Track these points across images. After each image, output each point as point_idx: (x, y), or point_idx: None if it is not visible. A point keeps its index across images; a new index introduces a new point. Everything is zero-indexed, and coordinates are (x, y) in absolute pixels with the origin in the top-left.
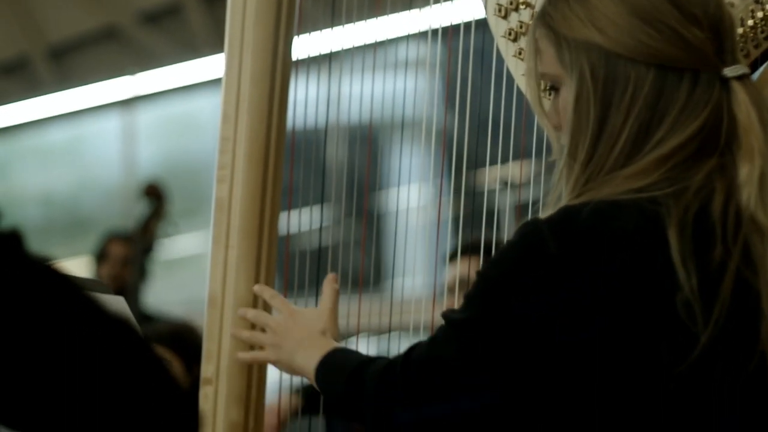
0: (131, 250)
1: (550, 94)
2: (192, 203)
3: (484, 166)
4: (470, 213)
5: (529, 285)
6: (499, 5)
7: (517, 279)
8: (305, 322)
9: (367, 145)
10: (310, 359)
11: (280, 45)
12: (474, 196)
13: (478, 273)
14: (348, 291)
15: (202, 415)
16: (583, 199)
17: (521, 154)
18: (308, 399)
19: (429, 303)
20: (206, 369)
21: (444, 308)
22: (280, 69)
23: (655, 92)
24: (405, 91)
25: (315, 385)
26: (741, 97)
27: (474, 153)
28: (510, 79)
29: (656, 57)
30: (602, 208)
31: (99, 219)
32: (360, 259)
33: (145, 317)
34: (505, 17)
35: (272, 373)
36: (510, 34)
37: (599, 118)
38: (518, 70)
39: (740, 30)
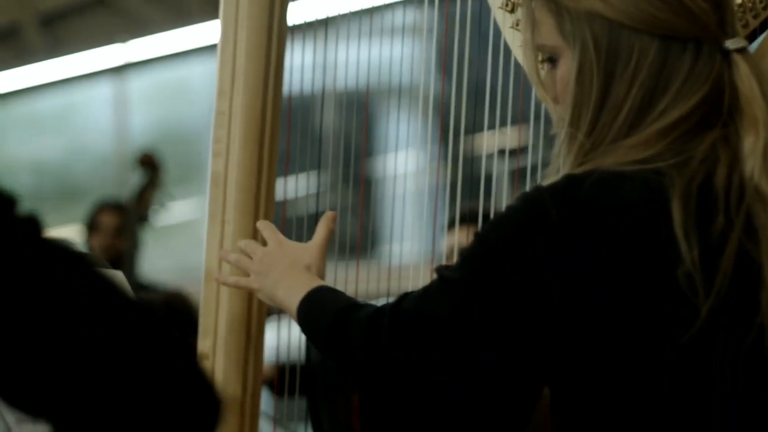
0: (123, 220)
1: (543, 65)
2: (185, 170)
3: (480, 132)
4: (466, 179)
5: (529, 253)
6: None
7: (517, 245)
8: (292, 253)
9: (364, 111)
10: (292, 293)
11: (275, 18)
12: (472, 162)
13: (477, 234)
14: (346, 257)
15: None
16: (586, 168)
17: (519, 120)
18: (281, 377)
19: (424, 269)
20: (203, 344)
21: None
22: (275, 43)
23: (659, 62)
24: (402, 58)
25: (296, 321)
26: (743, 68)
27: (469, 120)
28: (506, 46)
29: (660, 27)
30: (606, 178)
31: (90, 186)
32: (354, 225)
33: (140, 287)
34: (512, 11)
35: (269, 347)
36: (507, 5)
37: (602, 88)
38: (516, 41)
39: (739, 0)
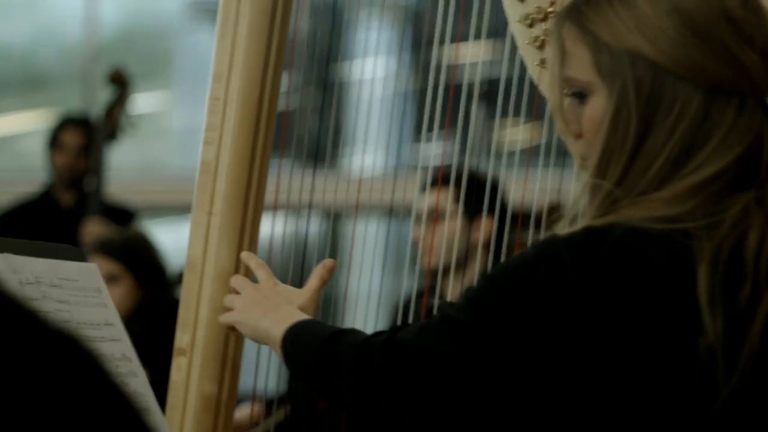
0: (87, 137)
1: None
2: (153, 62)
3: (453, 42)
4: (436, 89)
5: (539, 304)
6: (527, 14)
7: (527, 295)
8: (284, 295)
9: (336, 15)
10: (276, 325)
11: (279, 3)
12: (444, 71)
13: (486, 276)
14: (311, 164)
15: None
16: (609, 219)
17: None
18: (269, 409)
19: (387, 182)
20: (181, 338)
21: (411, 229)
22: (277, 29)
23: (702, 114)
24: None
25: (279, 354)
26: None
27: (442, 29)
28: None
29: (707, 76)
30: (629, 236)
31: (56, 74)
32: (317, 128)
33: (106, 209)
34: (531, 26)
35: (249, 348)
36: (536, 41)
37: (639, 135)
38: (541, 79)
39: None
